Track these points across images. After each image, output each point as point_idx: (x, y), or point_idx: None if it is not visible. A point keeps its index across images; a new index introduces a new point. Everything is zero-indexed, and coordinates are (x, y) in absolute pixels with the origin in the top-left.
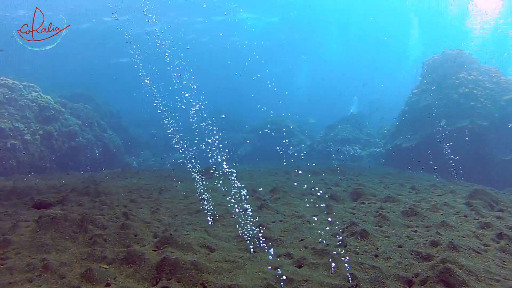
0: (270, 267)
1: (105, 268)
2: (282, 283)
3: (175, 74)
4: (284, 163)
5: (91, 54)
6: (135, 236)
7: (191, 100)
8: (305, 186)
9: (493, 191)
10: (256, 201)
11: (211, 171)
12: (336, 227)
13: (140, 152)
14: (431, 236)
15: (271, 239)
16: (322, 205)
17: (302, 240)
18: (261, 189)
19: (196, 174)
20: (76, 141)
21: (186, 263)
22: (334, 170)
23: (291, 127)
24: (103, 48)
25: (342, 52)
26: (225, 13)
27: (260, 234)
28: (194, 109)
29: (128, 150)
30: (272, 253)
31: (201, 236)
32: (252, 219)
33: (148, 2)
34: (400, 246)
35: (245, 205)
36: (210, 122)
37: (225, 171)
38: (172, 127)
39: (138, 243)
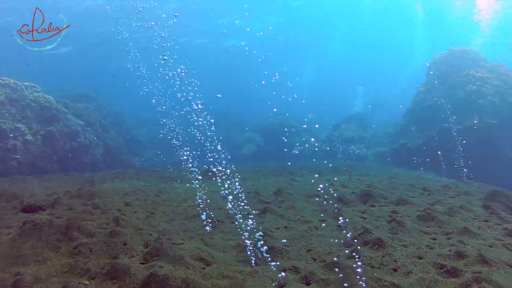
0: (274, 283)
1: (85, 284)
2: None
3: (182, 73)
4: (289, 163)
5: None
6: (124, 245)
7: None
8: (311, 187)
9: (509, 192)
10: (259, 204)
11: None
12: (347, 235)
13: (144, 152)
14: (453, 245)
15: (275, 249)
16: (326, 208)
17: (309, 250)
18: (264, 191)
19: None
20: (78, 142)
21: (177, 280)
22: (340, 170)
23: (295, 126)
24: (105, 49)
25: (347, 48)
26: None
27: (262, 243)
28: (197, 106)
29: (131, 150)
30: (276, 266)
31: (196, 247)
32: (254, 226)
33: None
34: (420, 258)
35: (247, 210)
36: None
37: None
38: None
39: (126, 254)
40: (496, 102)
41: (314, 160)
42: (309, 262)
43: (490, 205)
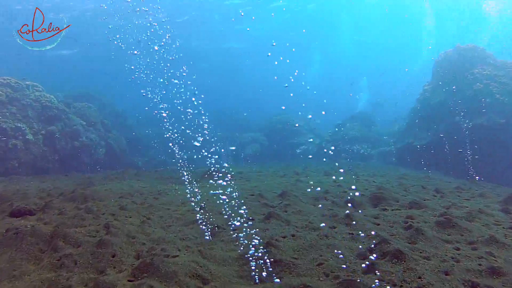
0: None
1: None
2: None
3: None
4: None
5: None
6: (113, 257)
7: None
8: (318, 189)
9: None
10: (263, 208)
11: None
12: (361, 245)
13: (147, 151)
14: (481, 257)
15: (282, 263)
16: (336, 213)
17: (321, 264)
18: (268, 193)
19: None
20: (80, 141)
21: None
22: (346, 170)
23: (299, 125)
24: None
25: (353, 43)
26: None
27: (267, 256)
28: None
29: (134, 150)
30: (283, 285)
31: (192, 260)
32: (258, 233)
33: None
34: (447, 274)
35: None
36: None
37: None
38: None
39: (114, 267)
40: (504, 100)
41: (318, 159)
42: (321, 278)
43: (510, 209)
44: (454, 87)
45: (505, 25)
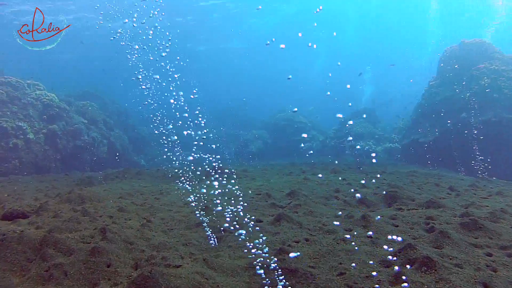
0: None
1: None
2: None
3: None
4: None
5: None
6: (108, 267)
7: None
8: (327, 188)
9: None
10: (271, 209)
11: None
12: (383, 250)
13: (149, 150)
14: None
15: (298, 273)
16: (351, 214)
17: (342, 274)
18: (276, 192)
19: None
20: (82, 140)
21: None
22: (353, 167)
23: (303, 122)
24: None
25: (359, 38)
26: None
27: (279, 265)
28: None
29: (136, 149)
30: None
31: (197, 271)
32: (267, 237)
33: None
34: (486, 285)
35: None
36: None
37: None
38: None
39: (109, 279)
40: None
41: (322, 156)
42: None
43: None
44: (464, 83)
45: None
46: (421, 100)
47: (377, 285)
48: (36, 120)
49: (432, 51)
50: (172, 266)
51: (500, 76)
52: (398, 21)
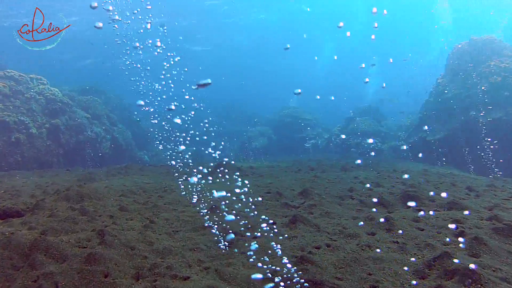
0: None
1: None
2: None
3: None
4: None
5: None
6: (105, 277)
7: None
8: (340, 186)
9: None
10: (284, 210)
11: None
12: (415, 258)
13: (153, 146)
14: None
15: (324, 286)
16: (372, 215)
17: (374, 287)
18: (287, 190)
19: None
20: (85, 135)
21: None
22: (363, 165)
23: (307, 119)
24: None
25: (365, 32)
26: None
27: (301, 275)
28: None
29: (140, 144)
30: None
31: (208, 285)
32: (284, 242)
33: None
34: None
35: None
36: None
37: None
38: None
39: None
40: None
41: (327, 154)
42: None
43: None
44: (474, 80)
45: None
46: (428, 98)
47: None
48: (39, 114)
49: (441, 48)
50: (179, 277)
51: (511, 74)
52: (406, 17)
